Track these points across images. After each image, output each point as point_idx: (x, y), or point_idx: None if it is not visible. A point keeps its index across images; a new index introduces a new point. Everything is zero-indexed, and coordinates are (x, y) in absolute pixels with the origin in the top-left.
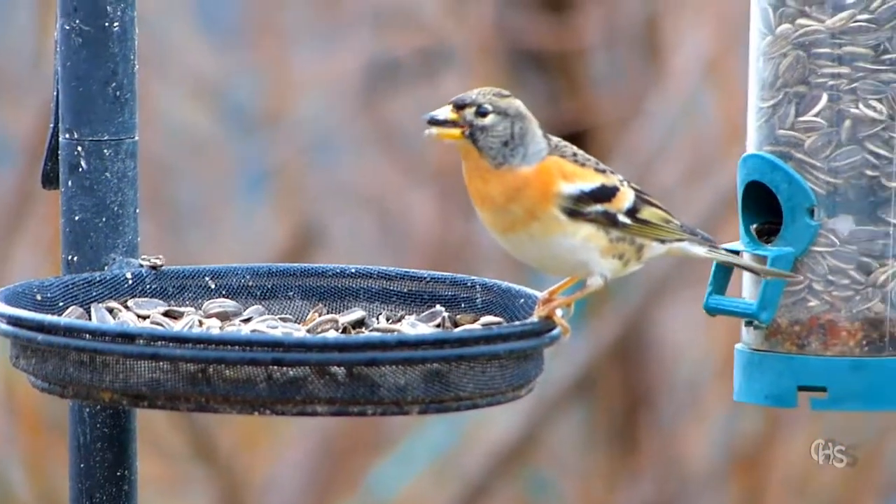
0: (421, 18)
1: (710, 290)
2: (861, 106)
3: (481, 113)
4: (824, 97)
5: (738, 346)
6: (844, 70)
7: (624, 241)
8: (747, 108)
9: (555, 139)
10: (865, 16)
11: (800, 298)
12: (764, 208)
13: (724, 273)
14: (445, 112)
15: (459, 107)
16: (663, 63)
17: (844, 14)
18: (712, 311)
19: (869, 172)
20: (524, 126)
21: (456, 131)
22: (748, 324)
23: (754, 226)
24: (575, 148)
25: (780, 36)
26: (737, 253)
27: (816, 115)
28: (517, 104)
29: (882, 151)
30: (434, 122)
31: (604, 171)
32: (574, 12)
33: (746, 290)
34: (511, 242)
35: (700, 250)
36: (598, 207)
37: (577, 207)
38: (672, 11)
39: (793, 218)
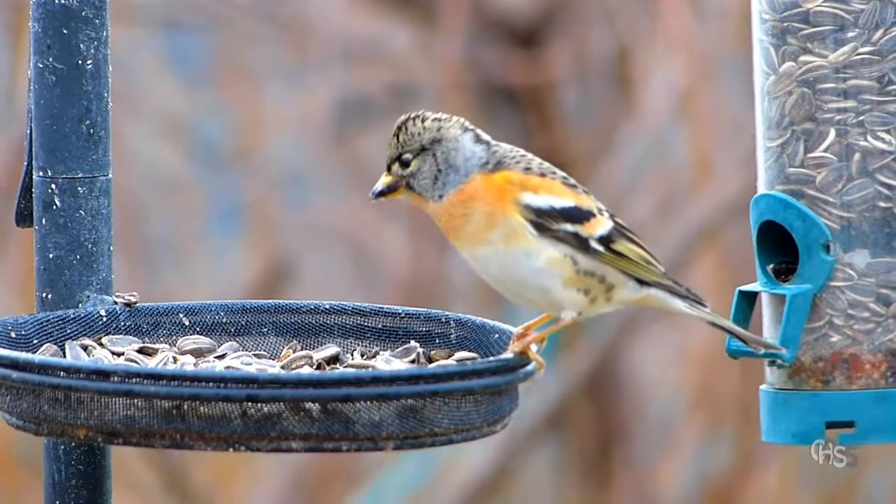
0: (391, 54)
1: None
2: (870, 138)
3: (403, 163)
4: (832, 132)
5: (763, 386)
6: (850, 104)
7: (593, 276)
8: (755, 148)
9: (503, 147)
10: (868, 48)
11: (821, 335)
12: (779, 247)
13: (743, 314)
14: (382, 182)
15: (389, 167)
16: (634, 97)
17: (847, 48)
18: (734, 353)
19: (882, 204)
20: (444, 149)
21: (399, 190)
22: (771, 363)
23: (771, 266)
24: (534, 159)
25: (783, 74)
26: (755, 294)
27: (825, 150)
28: (429, 126)
29: (894, 182)
30: (380, 195)
31: (574, 187)
32: (544, 47)
33: (767, 329)
34: (477, 259)
35: (680, 304)
36: (568, 227)
37: (544, 222)
38: (643, 44)
39: (809, 255)
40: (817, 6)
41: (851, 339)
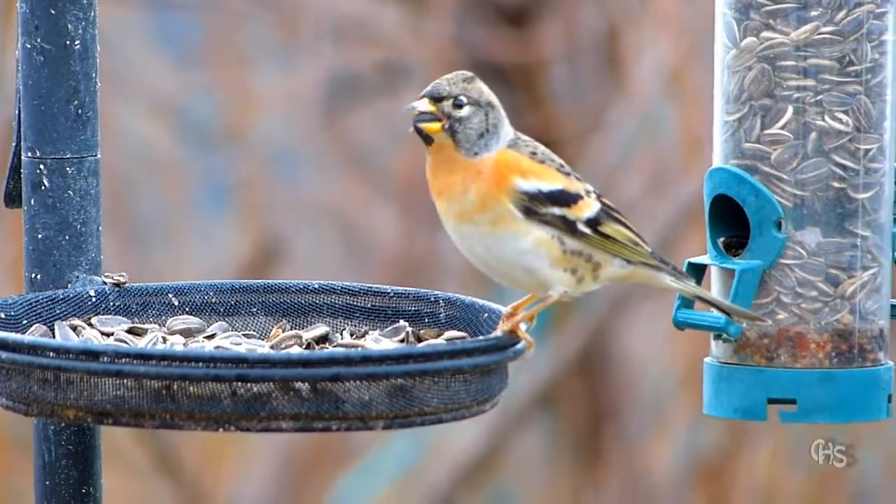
0: (380, 33)
1: (679, 303)
2: (827, 118)
3: (458, 105)
4: (790, 110)
5: (708, 359)
6: (810, 82)
7: (580, 255)
8: (713, 121)
9: (519, 134)
10: (830, 28)
11: (768, 311)
12: (731, 222)
13: None
14: (425, 104)
15: (436, 99)
16: (624, 75)
17: (809, 27)
18: (681, 324)
19: (836, 184)
20: (496, 115)
21: (436, 125)
22: (717, 337)
23: (722, 239)
24: (539, 145)
25: (744, 49)
26: (704, 267)
27: (782, 127)
28: (486, 91)
29: (848, 163)
30: (420, 118)
31: (568, 174)
32: (534, 25)
33: None
34: (462, 235)
35: (667, 279)
36: (556, 210)
37: (532, 206)
38: (632, 23)
39: (760, 231)
40: None
41: (798, 318)
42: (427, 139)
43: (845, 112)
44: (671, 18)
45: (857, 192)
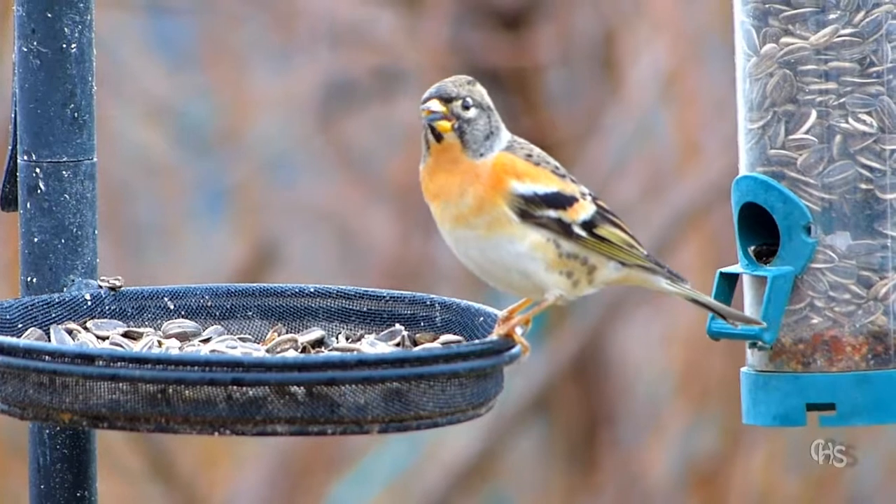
0: (376, 37)
1: (713, 314)
2: (851, 120)
3: (466, 106)
4: (813, 114)
5: (744, 369)
6: (832, 85)
7: (575, 258)
8: (737, 130)
9: (515, 137)
10: (849, 30)
11: (802, 317)
12: (760, 229)
13: (724, 296)
14: (437, 105)
15: (446, 100)
16: (620, 79)
17: (828, 30)
18: (716, 335)
19: (863, 186)
20: (496, 119)
21: (447, 124)
22: (752, 346)
23: (752, 247)
24: (535, 148)
25: (765, 56)
26: (736, 276)
27: (807, 132)
28: (486, 94)
29: (874, 164)
30: (433, 118)
31: (563, 177)
32: (530, 29)
33: (748, 311)
34: (457, 239)
35: (662, 282)
36: (551, 213)
37: (528, 208)
38: (628, 27)
39: (790, 237)
40: None
41: (832, 321)
42: (438, 137)
43: (868, 113)
44: (667, 22)
45: (884, 192)
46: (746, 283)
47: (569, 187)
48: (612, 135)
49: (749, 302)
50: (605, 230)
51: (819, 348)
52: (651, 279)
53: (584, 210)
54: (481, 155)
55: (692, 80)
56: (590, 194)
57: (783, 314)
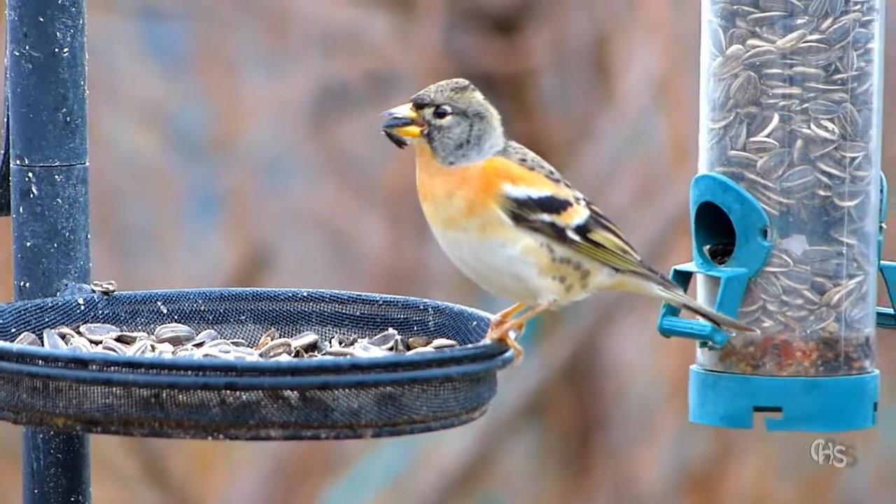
0: (369, 42)
1: (665, 311)
2: (813, 126)
3: (440, 114)
4: (776, 117)
5: (693, 367)
6: (796, 90)
7: (569, 263)
8: (699, 128)
9: (510, 141)
10: (816, 36)
11: (754, 319)
12: (717, 229)
13: None
14: (404, 110)
15: (419, 105)
16: (613, 84)
17: (795, 34)
18: (667, 332)
19: (821, 192)
20: (482, 127)
21: (415, 129)
22: (703, 345)
23: (707, 247)
24: (529, 152)
25: (730, 57)
26: (690, 275)
27: (768, 135)
28: (477, 101)
29: (834, 171)
30: (393, 121)
31: (558, 181)
32: (523, 34)
33: None
34: (450, 241)
35: (655, 289)
36: (545, 217)
37: (521, 212)
38: (621, 32)
39: (746, 238)
40: None
41: (784, 326)
42: (399, 143)
43: (831, 120)
44: (659, 27)
45: (842, 200)
46: (700, 281)
47: (563, 192)
48: (605, 139)
49: (702, 301)
50: (598, 235)
51: (769, 352)
52: (644, 285)
53: (577, 215)
54: (451, 163)
55: (685, 84)
56: (584, 199)
57: (735, 316)
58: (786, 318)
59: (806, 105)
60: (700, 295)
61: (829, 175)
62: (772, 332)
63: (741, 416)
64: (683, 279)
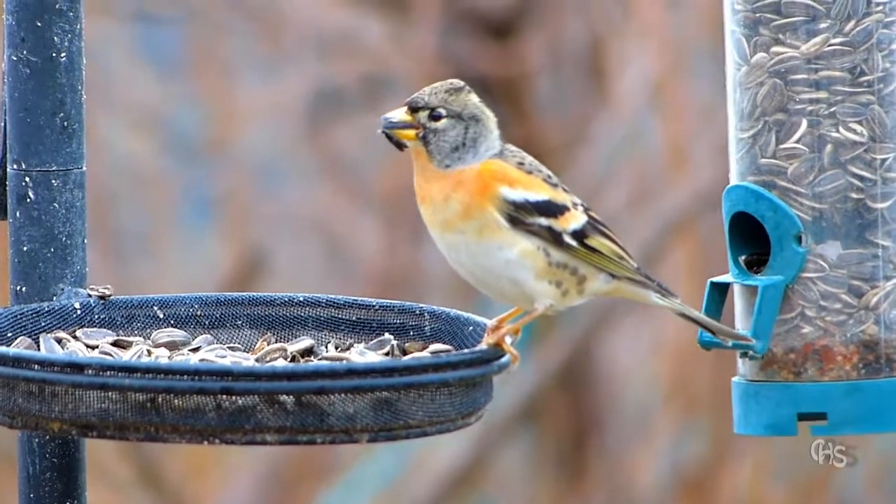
0: (364, 46)
1: (701, 329)
2: (841, 129)
3: (435, 117)
4: (804, 123)
5: (735, 378)
6: (822, 95)
7: (565, 268)
8: (727, 139)
9: (507, 145)
10: (840, 39)
11: (793, 326)
12: (751, 238)
13: (715, 305)
14: (400, 114)
15: (414, 109)
16: (608, 87)
17: (818, 39)
18: (706, 345)
19: (854, 195)
20: (477, 130)
21: (410, 132)
22: (743, 355)
23: (743, 257)
24: (527, 156)
25: (755, 65)
26: (727, 286)
27: (797, 141)
28: (472, 103)
29: (865, 173)
30: (389, 125)
31: (555, 186)
32: (518, 38)
33: (739, 320)
34: (448, 244)
35: (652, 296)
36: (542, 221)
37: (518, 215)
38: (616, 36)
39: (780, 246)
40: None
41: (823, 331)
42: (399, 145)
43: (859, 122)
44: (655, 31)
45: (875, 202)
46: (737, 292)
47: (560, 196)
48: (601, 143)
49: (740, 311)
50: (595, 241)
51: (810, 358)
52: (641, 292)
53: (575, 220)
54: (447, 166)
55: (680, 88)
56: (581, 204)
57: (774, 323)
58: (825, 322)
59: (833, 109)
60: (738, 305)
61: (861, 178)
62: (812, 338)
63: (786, 424)
64: (721, 291)
